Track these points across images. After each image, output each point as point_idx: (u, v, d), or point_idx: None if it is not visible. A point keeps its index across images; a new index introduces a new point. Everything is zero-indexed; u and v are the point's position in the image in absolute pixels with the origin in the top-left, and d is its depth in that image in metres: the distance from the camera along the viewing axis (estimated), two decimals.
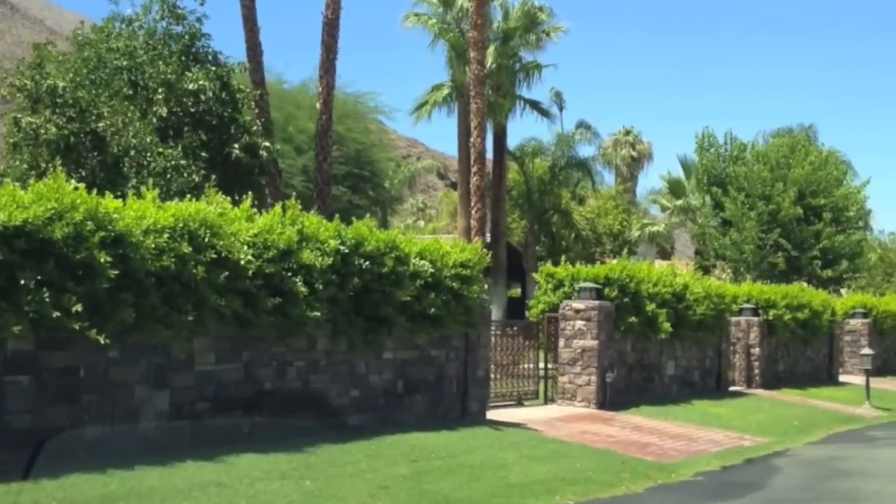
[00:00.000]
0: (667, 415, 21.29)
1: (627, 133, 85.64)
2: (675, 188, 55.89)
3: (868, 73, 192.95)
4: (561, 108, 66.26)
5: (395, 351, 16.01)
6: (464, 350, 17.53)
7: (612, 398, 21.65)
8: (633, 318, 22.10)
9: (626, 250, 37.25)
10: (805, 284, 38.89)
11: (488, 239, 37.14)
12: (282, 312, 13.27)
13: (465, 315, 16.92)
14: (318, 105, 29.30)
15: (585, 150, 57.27)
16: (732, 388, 27.80)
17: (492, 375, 20.62)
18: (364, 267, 14.65)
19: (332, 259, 14.03)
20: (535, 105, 41.86)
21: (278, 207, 13.85)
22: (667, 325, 22.81)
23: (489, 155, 46.89)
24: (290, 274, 13.34)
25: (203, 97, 21.14)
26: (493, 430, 16.27)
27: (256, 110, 28.11)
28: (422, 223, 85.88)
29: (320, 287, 13.70)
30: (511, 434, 16.23)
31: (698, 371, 26.01)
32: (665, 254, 66.58)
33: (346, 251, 14.48)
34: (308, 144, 38.52)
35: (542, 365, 22.13)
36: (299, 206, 14.22)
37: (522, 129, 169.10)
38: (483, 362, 17.97)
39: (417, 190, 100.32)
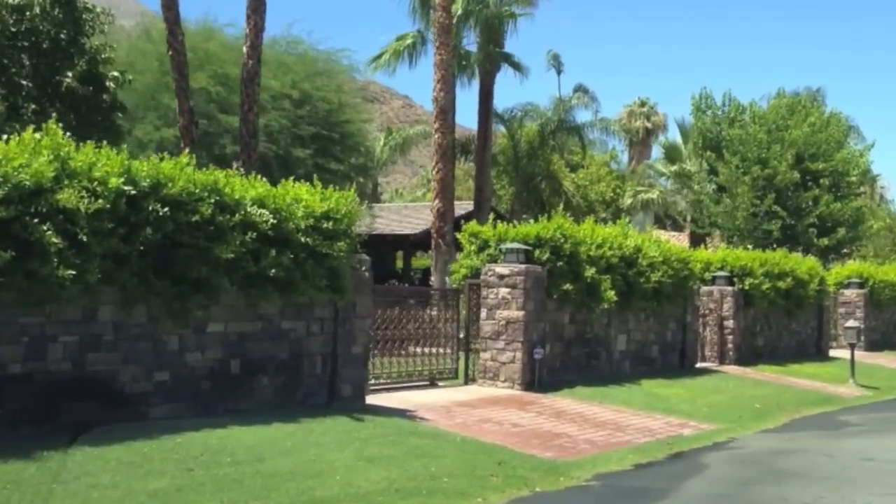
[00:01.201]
0: (604, 397, 17.66)
1: (643, 104, 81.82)
2: (672, 154, 51.89)
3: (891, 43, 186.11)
4: (559, 72, 62.55)
5: (227, 323, 12.43)
6: (332, 322, 13.93)
7: (545, 378, 18.07)
8: (567, 286, 18.40)
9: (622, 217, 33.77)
10: (799, 254, 35.03)
11: (449, 201, 33.30)
12: (23, 271, 9.69)
13: (329, 279, 13.33)
14: (244, 48, 25.55)
15: (583, 116, 53.60)
16: (700, 365, 24.07)
17: (418, 350, 17.30)
18: (164, 214, 11.03)
19: (108, 202, 10.41)
20: (507, 58, 37.80)
21: (28, 133, 10.23)
22: (611, 294, 19.10)
23: (474, 117, 43.33)
24: (36, 220, 9.75)
25: (28, 14, 17.42)
26: (352, 421, 12.65)
27: (170, 53, 24.52)
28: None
29: (86, 238, 10.10)
30: (374, 426, 12.63)
31: (657, 346, 22.28)
32: (678, 225, 62.60)
33: (136, 193, 10.86)
34: (272, 103, 34.78)
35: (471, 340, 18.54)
36: (62, 132, 10.52)
37: (519, 92, 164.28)
38: (360, 337, 14.35)
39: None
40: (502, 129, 49.15)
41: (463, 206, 41.49)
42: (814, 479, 11.52)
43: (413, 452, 11.44)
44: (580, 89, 58.04)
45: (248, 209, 12.17)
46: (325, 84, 38.36)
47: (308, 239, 12.87)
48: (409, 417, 13.83)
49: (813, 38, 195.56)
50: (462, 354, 18.29)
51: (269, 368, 13.00)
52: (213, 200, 11.64)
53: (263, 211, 12.29)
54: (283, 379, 13.21)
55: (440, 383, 17.83)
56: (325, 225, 13.18)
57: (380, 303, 16.73)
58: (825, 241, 40.05)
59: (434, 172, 32.50)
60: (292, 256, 12.59)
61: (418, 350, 18.05)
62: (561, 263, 18.37)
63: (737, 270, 25.94)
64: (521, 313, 17.64)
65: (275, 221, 12.38)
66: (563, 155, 54.75)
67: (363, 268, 14.30)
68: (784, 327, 28.78)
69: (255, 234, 12.02)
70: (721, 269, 25.83)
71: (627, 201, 50.59)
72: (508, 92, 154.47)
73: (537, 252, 18.20)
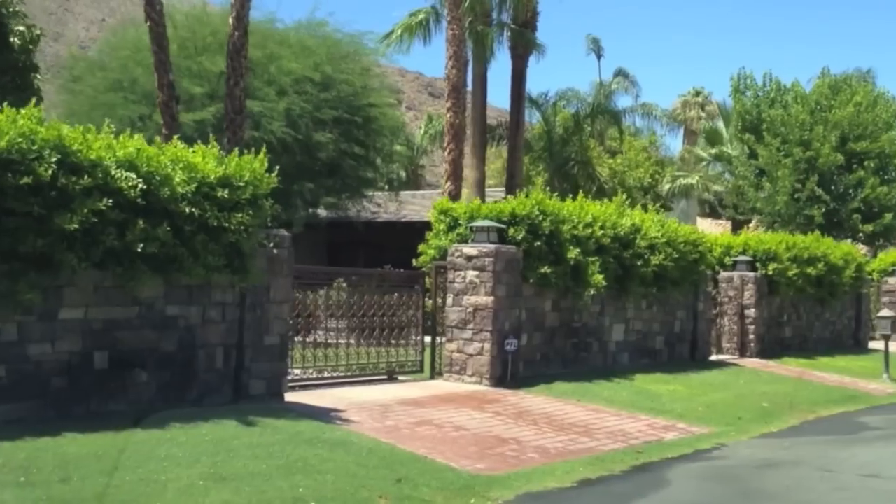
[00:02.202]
0: (584, 394, 15.11)
1: (697, 94, 78.76)
2: (713, 137, 48.78)
3: None
4: (599, 56, 59.78)
5: (88, 308, 10.12)
6: (237, 308, 11.59)
7: (520, 372, 15.62)
8: (546, 268, 15.85)
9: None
10: (849, 241, 32.02)
11: (463, 186, 30.91)
12: None
13: (227, 257, 10.98)
14: (230, 20, 23.46)
15: (624, 101, 50.86)
16: (715, 358, 21.38)
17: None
18: None
19: None
20: (521, 35, 35.03)
21: None
22: (599, 278, 16.52)
23: (506, 100, 40.95)
24: None
25: None
26: (238, 426, 10.25)
27: (149, 24, 22.54)
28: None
29: None
30: (265, 431, 10.22)
31: (662, 337, 19.62)
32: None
33: None
34: (294, 87, 32.66)
35: (437, 328, 16.12)
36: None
37: (558, 79, 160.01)
38: (276, 325, 11.98)
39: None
40: (538, 116, 46.60)
41: (500, 194, 39.08)
42: None
43: (291, 467, 9.03)
44: (620, 74, 55.28)
45: (113, 172, 9.86)
46: (348, 67, 36.12)
47: (195, 209, 10.54)
48: (327, 420, 11.44)
49: (868, 16, 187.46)
50: (429, 346, 15.87)
51: (151, 362, 10.68)
52: (55, 160, 9.33)
53: (130, 174, 9.96)
54: (171, 374, 10.89)
55: (401, 378, 15.47)
56: (220, 193, 10.85)
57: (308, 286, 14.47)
58: (871, 227, 36.89)
59: (446, 154, 30.10)
60: (170, 230, 10.25)
61: (393, 340, 15.79)
62: (539, 243, 15.84)
63: (760, 255, 23.12)
64: (489, 299, 15.16)
65: (144, 187, 10.03)
66: (603, 141, 52.01)
67: (277, 245, 11.92)
68: (816, 317, 25.88)
69: (112, 200, 9.67)
70: (743, 253, 23.05)
71: (666, 187, 47.54)
72: (546, 78, 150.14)
73: (511, 230, 15.70)
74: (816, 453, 12.02)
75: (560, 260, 16.13)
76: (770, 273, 22.89)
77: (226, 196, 10.88)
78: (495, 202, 16.71)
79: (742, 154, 42.21)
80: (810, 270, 23.87)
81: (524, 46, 37.89)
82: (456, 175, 29.61)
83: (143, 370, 10.61)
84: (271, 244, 11.71)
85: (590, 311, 17.39)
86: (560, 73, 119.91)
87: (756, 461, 11.35)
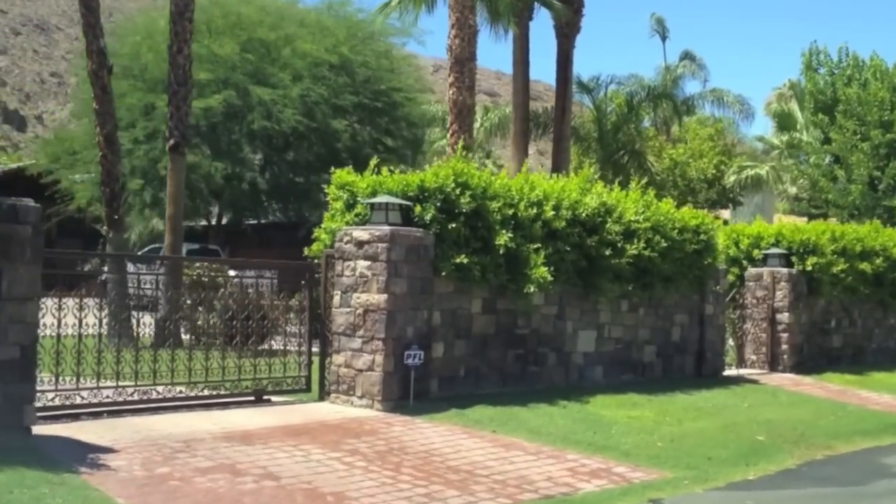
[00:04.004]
0: (507, 422, 11.57)
1: (792, 87, 74.03)
2: (785, 122, 44.32)
3: None
4: (664, 38, 55.98)
5: None
6: None
7: (436, 391, 12.24)
8: (462, 258, 12.26)
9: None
10: None
11: None
12: None
13: None
14: None
15: (692, 86, 46.85)
16: (734, 373, 17.55)
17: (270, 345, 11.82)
18: None
19: None
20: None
21: None
22: (542, 271, 12.87)
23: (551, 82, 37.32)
24: None
25: None
26: None
27: None
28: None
29: None
30: None
31: (654, 347, 15.83)
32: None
33: None
34: (308, 71, 29.62)
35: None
36: None
37: (622, 63, 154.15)
38: (14, 331, 8.66)
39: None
40: (589, 102, 42.88)
41: None
42: None
43: None
44: (687, 57, 51.32)
45: None
46: (369, 48, 32.86)
47: None
48: (60, 467, 8.20)
49: None
50: (319, 356, 12.50)
51: None
52: None
53: None
54: None
55: (277, 399, 12.12)
56: None
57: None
58: None
59: (449, 136, 26.51)
60: None
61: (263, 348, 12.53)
62: (455, 225, 12.28)
63: (797, 247, 19.12)
64: (382, 297, 11.71)
65: None
66: (668, 130, 48.02)
67: (3, 218, 8.65)
68: (876, 323, 21.65)
69: None
70: (775, 244, 19.10)
71: (731, 178, 43.15)
72: (604, 63, 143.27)
73: (418, 208, 12.21)
74: None
75: (488, 247, 12.57)
76: (809, 269, 18.87)
77: None
78: (407, 173, 13.23)
79: (815, 140, 37.89)
80: (864, 266, 19.79)
81: (569, 25, 34.31)
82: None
83: None
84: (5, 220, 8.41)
85: (542, 313, 13.76)
86: (620, 58, 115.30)
87: None
